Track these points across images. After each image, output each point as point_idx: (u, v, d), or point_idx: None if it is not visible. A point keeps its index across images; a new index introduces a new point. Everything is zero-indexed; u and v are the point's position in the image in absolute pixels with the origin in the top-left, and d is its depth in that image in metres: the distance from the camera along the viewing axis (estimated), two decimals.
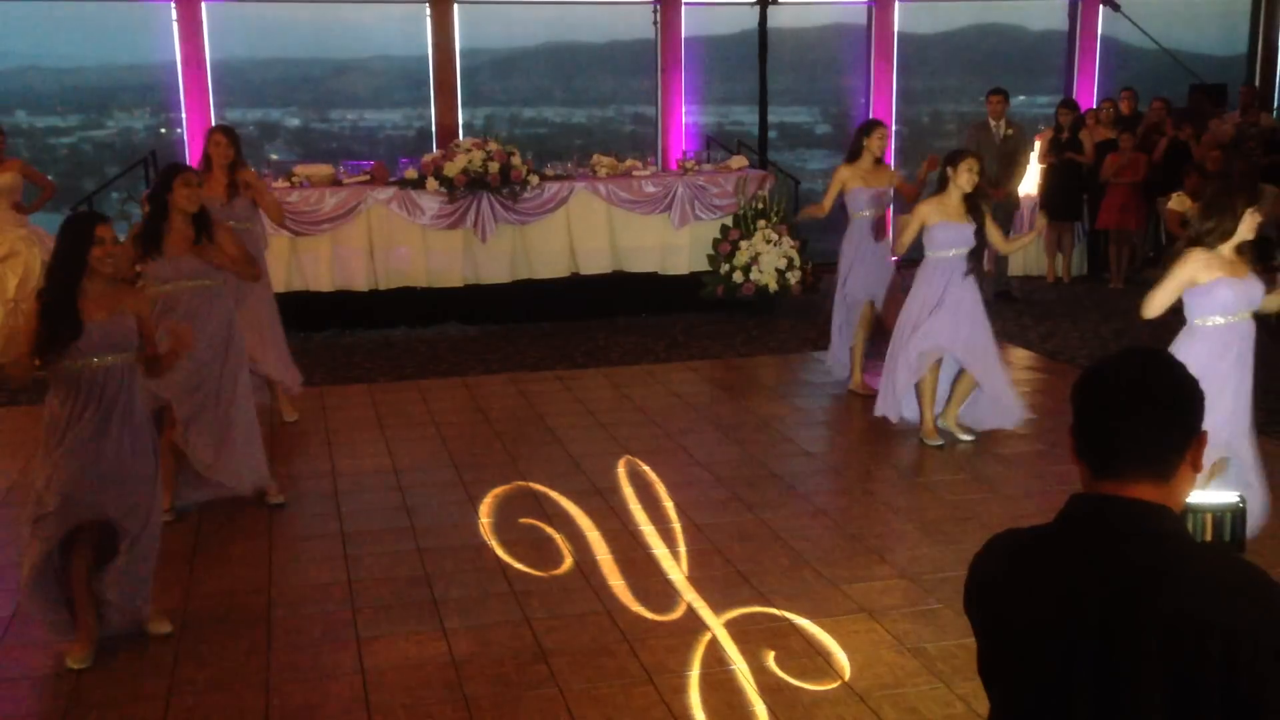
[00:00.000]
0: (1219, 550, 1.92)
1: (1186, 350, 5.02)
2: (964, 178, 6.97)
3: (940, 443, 7.16)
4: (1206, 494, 2.22)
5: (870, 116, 12.96)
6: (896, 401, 7.22)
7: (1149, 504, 1.89)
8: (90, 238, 4.56)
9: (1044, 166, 12.06)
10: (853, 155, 8.22)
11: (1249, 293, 5.13)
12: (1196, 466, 1.92)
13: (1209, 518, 2.47)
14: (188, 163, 11.10)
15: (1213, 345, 5.11)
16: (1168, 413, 1.90)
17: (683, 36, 12.57)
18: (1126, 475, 1.90)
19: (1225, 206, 5.08)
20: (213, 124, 11.47)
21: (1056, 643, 1.86)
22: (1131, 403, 1.89)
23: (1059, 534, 1.95)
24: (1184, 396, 1.92)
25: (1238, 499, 2.52)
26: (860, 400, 8.14)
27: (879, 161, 8.25)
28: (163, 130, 11.90)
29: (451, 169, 10.12)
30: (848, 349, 8.41)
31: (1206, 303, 5.12)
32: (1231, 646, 1.74)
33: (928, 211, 7.06)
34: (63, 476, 4.54)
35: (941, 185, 7.07)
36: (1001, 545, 2.04)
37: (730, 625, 4.91)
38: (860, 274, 8.21)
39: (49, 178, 10.00)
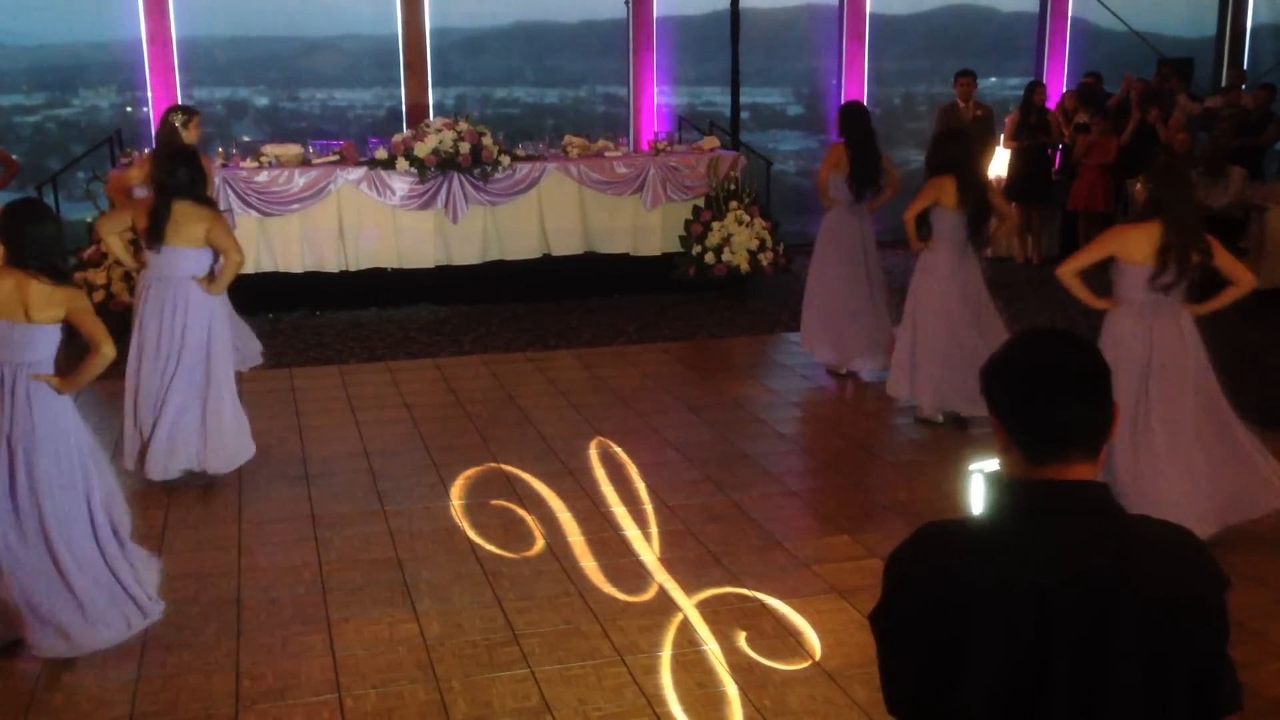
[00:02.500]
0: (1153, 521, 1.94)
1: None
2: None
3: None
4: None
5: (842, 98, 13.01)
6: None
7: (1095, 484, 1.90)
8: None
9: (1011, 149, 12.11)
10: None
11: None
12: (1111, 438, 1.93)
13: None
14: (152, 143, 11.02)
15: None
16: (1103, 392, 1.91)
17: (655, 17, 12.53)
18: (1072, 459, 1.88)
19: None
20: (177, 102, 11.38)
21: (1026, 635, 1.79)
22: (1078, 388, 1.89)
23: (1008, 523, 1.88)
24: (1108, 374, 1.94)
25: None
26: (832, 381, 8.19)
27: None
28: (128, 109, 11.75)
29: (422, 149, 10.06)
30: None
31: None
32: (1198, 615, 1.81)
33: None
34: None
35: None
36: (938, 542, 1.94)
37: (702, 606, 4.93)
38: None
39: (14, 157, 9.85)
